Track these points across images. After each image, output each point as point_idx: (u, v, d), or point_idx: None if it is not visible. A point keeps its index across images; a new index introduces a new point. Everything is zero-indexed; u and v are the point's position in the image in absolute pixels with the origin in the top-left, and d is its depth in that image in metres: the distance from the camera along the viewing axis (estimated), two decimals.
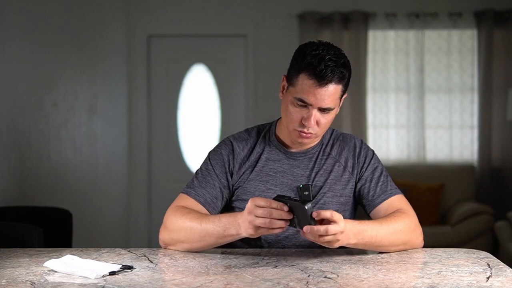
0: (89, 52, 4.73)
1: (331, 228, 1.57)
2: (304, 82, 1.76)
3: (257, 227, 1.61)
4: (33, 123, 3.81)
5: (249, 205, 1.62)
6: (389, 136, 5.74)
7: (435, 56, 5.74)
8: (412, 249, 1.84)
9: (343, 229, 1.61)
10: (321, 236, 1.58)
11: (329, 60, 1.74)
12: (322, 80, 1.73)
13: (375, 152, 2.02)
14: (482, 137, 5.60)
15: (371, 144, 5.62)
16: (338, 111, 1.87)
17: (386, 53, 5.73)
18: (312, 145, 1.94)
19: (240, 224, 1.66)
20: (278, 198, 1.60)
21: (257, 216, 1.60)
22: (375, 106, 5.73)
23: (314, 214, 1.57)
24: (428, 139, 5.73)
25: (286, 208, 1.58)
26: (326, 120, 1.81)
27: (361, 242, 1.70)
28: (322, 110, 1.79)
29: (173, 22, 5.71)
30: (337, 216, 1.59)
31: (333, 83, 1.75)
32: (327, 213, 1.58)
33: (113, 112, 5.29)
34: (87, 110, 4.64)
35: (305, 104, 1.78)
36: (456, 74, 5.70)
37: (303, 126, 1.80)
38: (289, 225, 1.61)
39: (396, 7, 5.67)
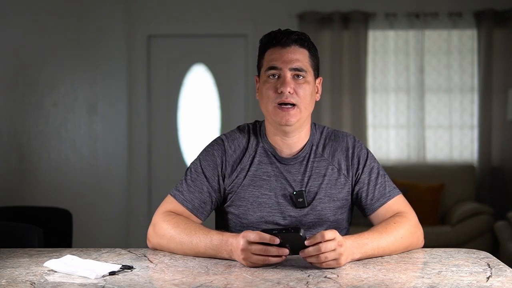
0: (89, 52, 4.73)
1: (324, 246, 1.54)
2: (269, 53, 1.85)
3: (253, 263, 1.59)
4: (33, 123, 3.81)
5: (242, 242, 1.59)
6: (389, 136, 5.74)
7: (435, 56, 5.74)
8: (415, 249, 1.84)
9: (342, 243, 1.57)
10: (322, 257, 1.54)
11: (286, 29, 1.87)
12: (282, 40, 1.83)
13: (374, 151, 2.01)
14: (482, 137, 5.60)
15: (371, 144, 5.63)
16: (318, 97, 1.90)
17: (386, 53, 5.73)
18: (301, 146, 1.89)
19: (233, 251, 1.63)
20: (266, 232, 1.57)
21: (252, 254, 1.58)
22: (375, 106, 5.73)
23: (307, 242, 1.54)
24: (428, 139, 5.73)
25: (277, 240, 1.55)
26: (302, 89, 1.81)
27: (364, 256, 1.67)
28: (295, 74, 1.81)
29: (173, 22, 5.71)
30: (329, 234, 1.55)
31: (295, 44, 1.83)
32: (317, 237, 1.55)
33: (113, 112, 5.29)
34: (87, 110, 4.64)
35: (277, 73, 1.81)
36: (456, 74, 5.70)
37: (280, 95, 1.80)
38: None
39: (396, 7, 5.66)
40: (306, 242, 1.55)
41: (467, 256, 1.75)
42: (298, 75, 1.81)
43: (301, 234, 1.53)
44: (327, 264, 1.56)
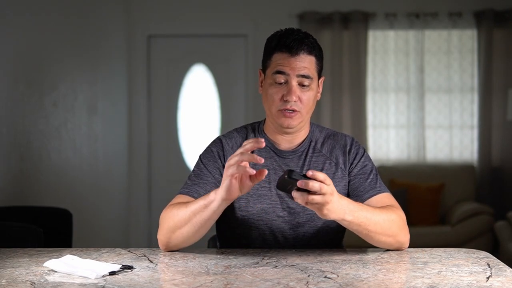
0: (89, 52, 4.73)
1: (325, 186, 1.54)
2: (277, 57, 1.86)
3: (229, 180, 1.62)
4: (33, 123, 3.81)
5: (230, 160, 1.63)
6: (389, 136, 5.74)
7: (435, 56, 5.74)
8: (399, 247, 1.82)
9: (333, 192, 1.58)
10: (310, 195, 1.54)
11: (296, 34, 1.86)
12: (292, 49, 1.83)
13: (374, 151, 2.03)
14: (482, 137, 5.61)
15: (371, 144, 5.63)
16: (319, 96, 1.92)
17: (386, 53, 5.73)
18: (300, 141, 1.94)
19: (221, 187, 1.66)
20: (289, 173, 1.56)
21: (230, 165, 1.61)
22: (375, 106, 5.73)
23: (309, 173, 1.53)
24: (428, 139, 5.74)
25: (262, 160, 1.56)
26: (306, 97, 1.85)
27: (356, 222, 1.68)
28: (301, 83, 1.83)
29: (173, 22, 5.71)
30: (329, 180, 1.57)
31: (304, 52, 1.84)
32: (320, 175, 1.54)
33: (113, 112, 5.29)
34: (87, 110, 4.64)
35: (284, 79, 1.84)
36: (456, 74, 5.71)
37: (285, 103, 1.84)
38: (279, 188, 1.58)
39: (396, 7, 5.67)
40: (308, 174, 1.52)
41: (467, 256, 1.75)
42: (303, 84, 1.84)
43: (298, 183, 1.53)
44: (311, 205, 1.56)
